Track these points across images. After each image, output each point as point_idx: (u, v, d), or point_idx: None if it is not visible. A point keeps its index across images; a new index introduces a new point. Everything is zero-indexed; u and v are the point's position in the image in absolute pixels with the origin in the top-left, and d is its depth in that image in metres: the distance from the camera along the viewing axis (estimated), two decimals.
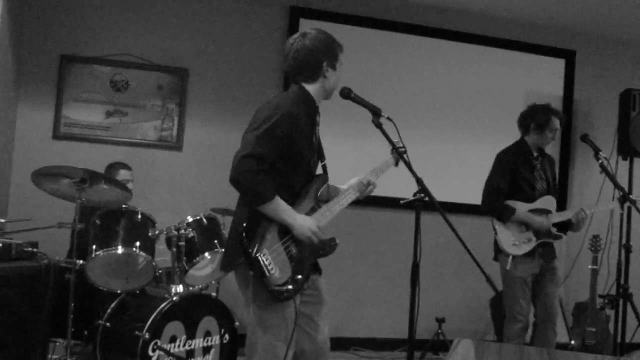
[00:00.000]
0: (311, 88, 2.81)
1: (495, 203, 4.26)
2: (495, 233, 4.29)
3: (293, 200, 2.74)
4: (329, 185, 2.97)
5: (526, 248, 4.22)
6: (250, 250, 2.59)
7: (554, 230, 4.28)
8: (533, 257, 4.24)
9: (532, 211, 4.26)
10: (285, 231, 2.69)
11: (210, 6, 5.46)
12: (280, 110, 2.66)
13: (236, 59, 5.51)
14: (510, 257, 4.20)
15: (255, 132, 2.61)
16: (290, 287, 2.66)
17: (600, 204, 4.36)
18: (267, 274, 2.60)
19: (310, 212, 2.79)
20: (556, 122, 4.31)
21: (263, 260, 2.59)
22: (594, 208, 4.31)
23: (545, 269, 4.30)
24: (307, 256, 2.76)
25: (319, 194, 2.87)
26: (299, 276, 2.70)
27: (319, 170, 2.94)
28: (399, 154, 2.83)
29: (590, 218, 4.35)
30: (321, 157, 2.97)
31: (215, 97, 5.46)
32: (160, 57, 5.33)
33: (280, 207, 2.65)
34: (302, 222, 2.69)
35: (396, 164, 3.08)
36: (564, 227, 4.36)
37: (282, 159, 2.69)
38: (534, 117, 4.34)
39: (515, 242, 4.22)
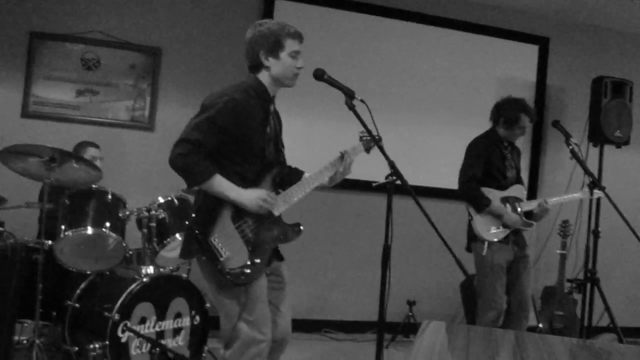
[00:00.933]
0: (261, 77, 2.85)
1: (472, 192, 4.29)
2: (471, 218, 4.32)
3: (248, 187, 2.75)
4: (302, 174, 3.01)
5: (501, 235, 4.26)
6: (200, 235, 2.61)
7: (524, 218, 4.34)
8: (507, 244, 4.29)
9: (505, 199, 4.32)
10: (238, 216, 2.71)
11: None
12: (224, 98, 2.71)
13: (210, 39, 5.45)
14: (486, 244, 4.24)
15: (195, 119, 2.70)
16: (247, 271, 2.67)
17: (566, 194, 4.44)
18: (220, 257, 2.62)
19: None
20: (525, 120, 4.35)
21: (214, 244, 2.62)
22: (560, 198, 4.38)
23: (519, 257, 4.36)
24: (266, 240, 2.78)
25: (275, 181, 2.87)
26: (257, 260, 2.71)
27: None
28: (372, 138, 2.83)
29: (560, 205, 4.41)
30: (279, 144, 2.99)
31: (188, 77, 5.40)
32: (133, 35, 5.25)
33: (222, 185, 2.68)
34: (248, 194, 2.71)
35: (367, 151, 3.09)
36: (528, 215, 4.42)
37: (229, 147, 2.73)
38: (504, 112, 4.37)
39: (488, 228, 4.26)
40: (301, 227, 2.87)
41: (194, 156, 2.63)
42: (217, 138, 2.68)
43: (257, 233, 2.75)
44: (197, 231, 2.66)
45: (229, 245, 2.66)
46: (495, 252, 4.25)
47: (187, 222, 4.03)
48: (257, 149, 2.80)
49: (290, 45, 2.83)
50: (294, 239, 2.86)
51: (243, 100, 2.73)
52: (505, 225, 4.27)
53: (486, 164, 4.34)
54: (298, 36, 2.86)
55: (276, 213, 2.82)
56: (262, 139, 2.82)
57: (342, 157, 2.95)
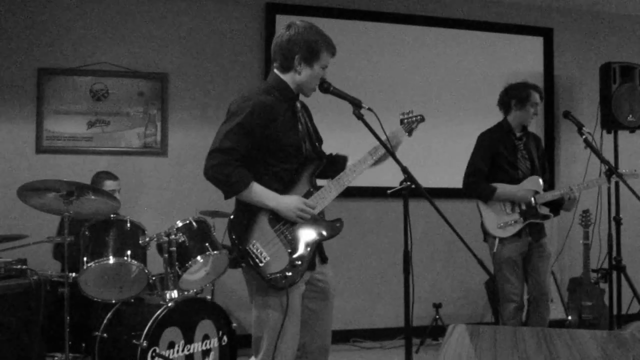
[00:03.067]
0: (285, 77, 2.82)
1: (475, 184, 4.27)
2: (481, 216, 4.30)
3: (285, 188, 2.75)
4: (346, 161, 3.01)
5: (512, 230, 4.22)
6: (238, 243, 2.61)
7: (542, 210, 4.29)
8: (520, 237, 4.24)
9: None
10: (278, 218, 2.70)
11: (186, 9, 5.43)
12: (250, 102, 2.70)
13: (215, 59, 5.49)
14: (497, 240, 4.21)
15: (224, 126, 2.69)
16: (289, 274, 2.65)
17: (587, 181, 4.36)
18: (260, 263, 2.61)
19: (306, 196, 2.78)
20: (536, 96, 4.31)
21: (253, 251, 2.61)
22: (581, 186, 4.32)
23: (534, 247, 4.31)
24: (307, 240, 2.74)
25: (314, 177, 2.86)
26: (298, 262, 2.68)
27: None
28: (385, 148, 2.81)
29: (579, 194, 4.36)
30: (318, 140, 2.98)
31: (196, 99, 5.43)
32: (138, 63, 5.30)
33: (259, 193, 2.67)
34: (286, 202, 2.69)
35: (409, 134, 3.06)
36: (556, 207, 4.37)
37: (262, 149, 2.72)
38: (513, 94, 4.34)
39: (500, 224, 4.23)
40: (342, 222, 2.83)
41: (228, 166, 2.62)
42: (249, 142, 2.67)
43: (297, 234, 2.72)
44: (235, 240, 2.64)
45: (269, 250, 2.64)
46: (506, 246, 4.21)
47: (206, 244, 4.08)
48: (291, 147, 2.77)
49: (325, 58, 2.81)
50: (335, 235, 2.82)
51: (268, 101, 2.72)
52: (522, 215, 4.21)
53: (496, 157, 4.30)
54: (334, 50, 2.85)
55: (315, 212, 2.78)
56: (295, 136, 2.80)
57: (376, 149, 2.91)
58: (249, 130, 2.66)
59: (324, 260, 2.92)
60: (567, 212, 4.59)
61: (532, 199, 4.24)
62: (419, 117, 3.07)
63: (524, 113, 4.32)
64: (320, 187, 2.85)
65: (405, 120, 3.07)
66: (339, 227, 2.82)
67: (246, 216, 2.69)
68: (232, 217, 2.72)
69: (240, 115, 2.66)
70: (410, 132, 3.07)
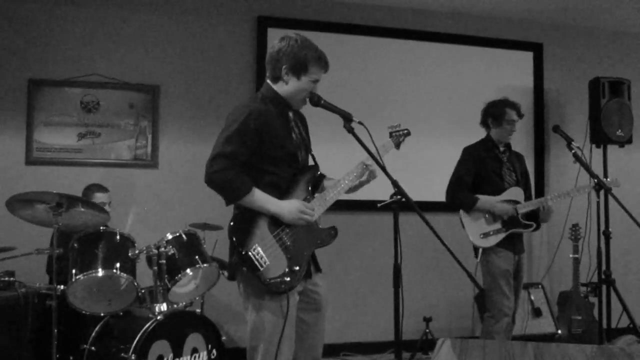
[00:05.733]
0: (277, 88, 2.86)
1: (457, 193, 4.29)
2: (463, 226, 4.31)
3: (282, 196, 2.77)
4: (324, 178, 3.03)
5: (494, 240, 4.23)
6: (239, 247, 2.61)
7: (523, 219, 4.30)
8: (509, 250, 4.25)
9: (500, 202, 4.28)
10: (276, 223, 2.73)
11: (177, 21, 5.44)
12: (247, 108, 2.75)
13: (206, 72, 5.50)
14: (480, 250, 4.22)
15: (225, 133, 2.70)
16: (287, 279, 2.67)
17: (559, 192, 4.38)
18: (260, 267, 2.62)
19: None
20: (511, 114, 4.34)
21: (254, 255, 2.62)
22: (559, 194, 4.34)
23: (517, 264, 4.35)
24: (304, 247, 2.78)
25: (310, 185, 2.89)
26: (297, 267, 2.71)
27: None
28: (376, 162, 2.83)
29: (569, 206, 4.38)
30: (309, 148, 3.00)
31: (187, 112, 5.43)
32: (129, 75, 5.30)
33: (261, 198, 2.70)
34: (287, 206, 2.73)
35: (397, 147, 3.17)
36: (534, 218, 4.39)
37: (260, 156, 2.75)
38: (490, 112, 4.41)
39: (481, 234, 4.24)
40: (337, 230, 2.88)
41: (231, 171, 2.64)
42: (248, 148, 2.70)
43: (295, 240, 2.75)
44: (236, 244, 2.64)
45: (269, 255, 2.66)
46: (501, 258, 4.22)
47: (196, 257, 4.06)
48: (287, 155, 2.82)
49: (314, 72, 2.84)
50: (330, 242, 2.87)
51: (263, 108, 2.77)
52: (504, 224, 4.23)
53: (481, 168, 4.33)
54: (325, 66, 2.88)
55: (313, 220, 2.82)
56: (290, 144, 2.84)
57: (365, 165, 2.96)
58: (248, 136, 2.69)
59: (318, 269, 2.95)
60: (556, 225, 4.60)
61: (514, 208, 4.26)
62: (406, 130, 3.20)
63: (501, 130, 4.36)
64: (317, 195, 2.90)
65: (394, 134, 3.16)
66: (334, 235, 2.88)
67: (247, 221, 2.71)
68: (232, 222, 2.72)
69: (238, 121, 2.70)
70: (398, 146, 3.18)
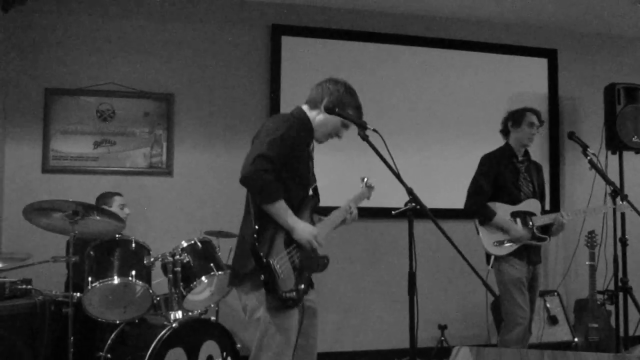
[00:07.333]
0: (310, 114, 2.98)
1: (476, 204, 4.26)
2: (478, 233, 4.29)
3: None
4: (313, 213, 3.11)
5: (508, 249, 4.20)
6: (262, 255, 2.64)
7: (538, 232, 4.26)
8: (523, 260, 4.22)
9: (515, 213, 4.25)
10: (289, 241, 2.78)
11: (192, 30, 5.48)
12: (289, 121, 2.85)
13: (221, 80, 5.52)
14: (492, 257, 4.20)
15: (267, 137, 2.74)
16: (294, 295, 2.73)
17: (575, 210, 4.37)
18: (277, 278, 2.65)
19: None
20: (532, 117, 4.33)
21: (274, 265, 2.66)
22: (579, 212, 4.32)
23: (533, 275, 4.31)
24: (306, 268, 2.85)
25: (312, 214, 2.99)
26: (302, 286, 2.78)
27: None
28: (390, 169, 2.85)
29: (584, 217, 4.34)
30: (313, 179, 3.08)
31: (202, 119, 5.46)
32: (144, 83, 5.33)
33: (285, 210, 2.75)
34: (303, 226, 2.79)
35: (368, 198, 3.40)
36: (546, 230, 4.34)
37: (285, 170, 2.80)
38: (510, 116, 4.41)
39: (495, 242, 4.21)
40: (328, 259, 2.95)
41: (271, 174, 2.68)
42: (284, 157, 2.76)
43: (302, 261, 2.81)
44: (260, 252, 2.66)
45: (283, 268, 2.69)
46: (516, 267, 4.19)
47: (211, 265, 4.08)
48: (302, 178, 2.92)
49: (342, 127, 3.01)
50: (321, 271, 2.94)
51: (298, 131, 2.87)
52: (511, 240, 4.21)
53: (498, 177, 4.30)
54: (358, 120, 2.97)
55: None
56: (306, 169, 2.95)
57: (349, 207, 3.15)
58: (287, 145, 2.76)
59: (312, 286, 3.04)
60: (572, 233, 4.58)
61: (530, 221, 4.23)
62: (372, 187, 3.42)
63: (521, 133, 4.33)
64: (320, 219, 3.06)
65: (368, 185, 3.42)
66: (325, 264, 2.95)
67: (271, 230, 2.75)
68: (257, 227, 2.74)
69: (282, 129, 2.77)
70: (369, 197, 3.42)
